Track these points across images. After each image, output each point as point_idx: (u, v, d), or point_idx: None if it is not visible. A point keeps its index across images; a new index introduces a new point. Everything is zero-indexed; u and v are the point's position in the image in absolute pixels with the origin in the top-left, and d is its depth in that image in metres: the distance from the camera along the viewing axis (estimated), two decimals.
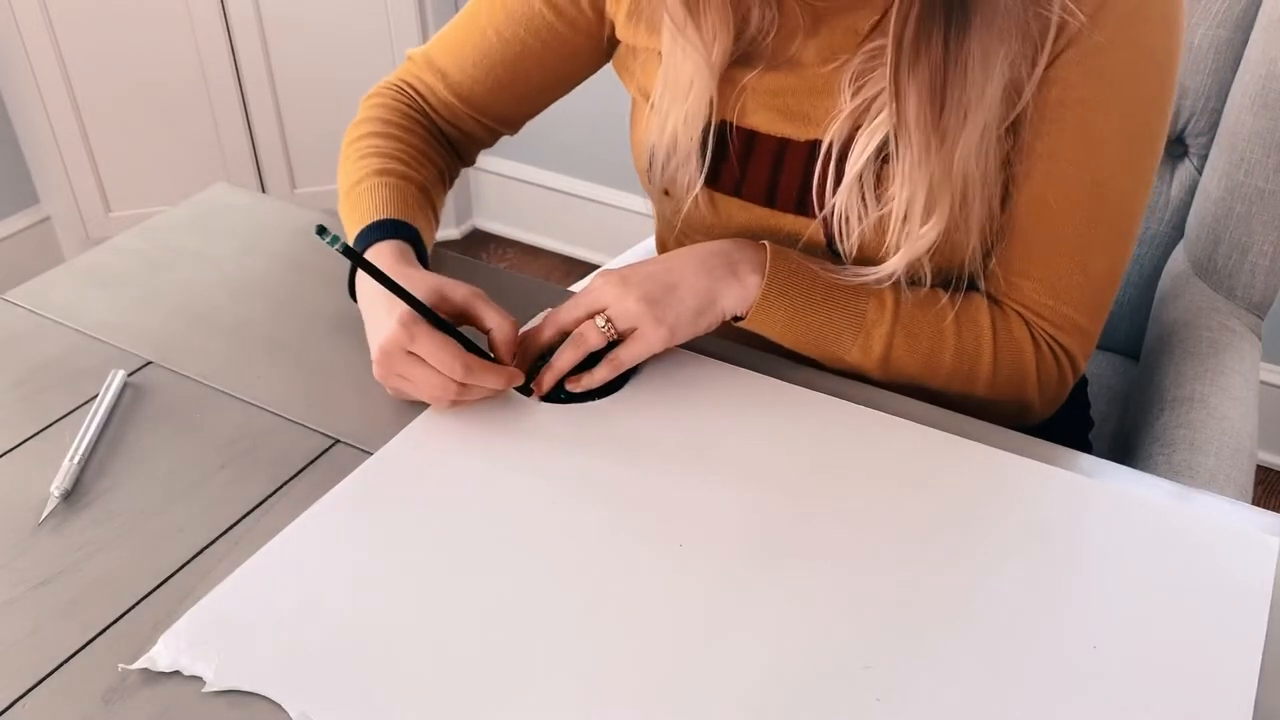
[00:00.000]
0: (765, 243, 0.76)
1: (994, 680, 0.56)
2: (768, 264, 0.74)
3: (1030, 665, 0.57)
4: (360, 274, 0.75)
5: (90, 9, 1.89)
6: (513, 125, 0.95)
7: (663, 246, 0.96)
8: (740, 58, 0.78)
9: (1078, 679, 0.56)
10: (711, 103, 0.78)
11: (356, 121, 0.90)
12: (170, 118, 2.03)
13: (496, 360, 0.73)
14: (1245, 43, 0.96)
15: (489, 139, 0.95)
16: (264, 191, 2.14)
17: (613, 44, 0.87)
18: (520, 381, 0.73)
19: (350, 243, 0.76)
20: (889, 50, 0.68)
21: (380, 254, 0.75)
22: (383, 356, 0.70)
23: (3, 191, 2.05)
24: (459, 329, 0.72)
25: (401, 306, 0.69)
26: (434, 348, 0.68)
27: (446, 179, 0.92)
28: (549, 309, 0.77)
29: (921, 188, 0.71)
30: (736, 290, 0.74)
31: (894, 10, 0.67)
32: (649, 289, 0.73)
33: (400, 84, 0.93)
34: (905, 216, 0.72)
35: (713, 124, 0.79)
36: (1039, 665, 0.56)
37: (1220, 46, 0.98)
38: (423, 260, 0.78)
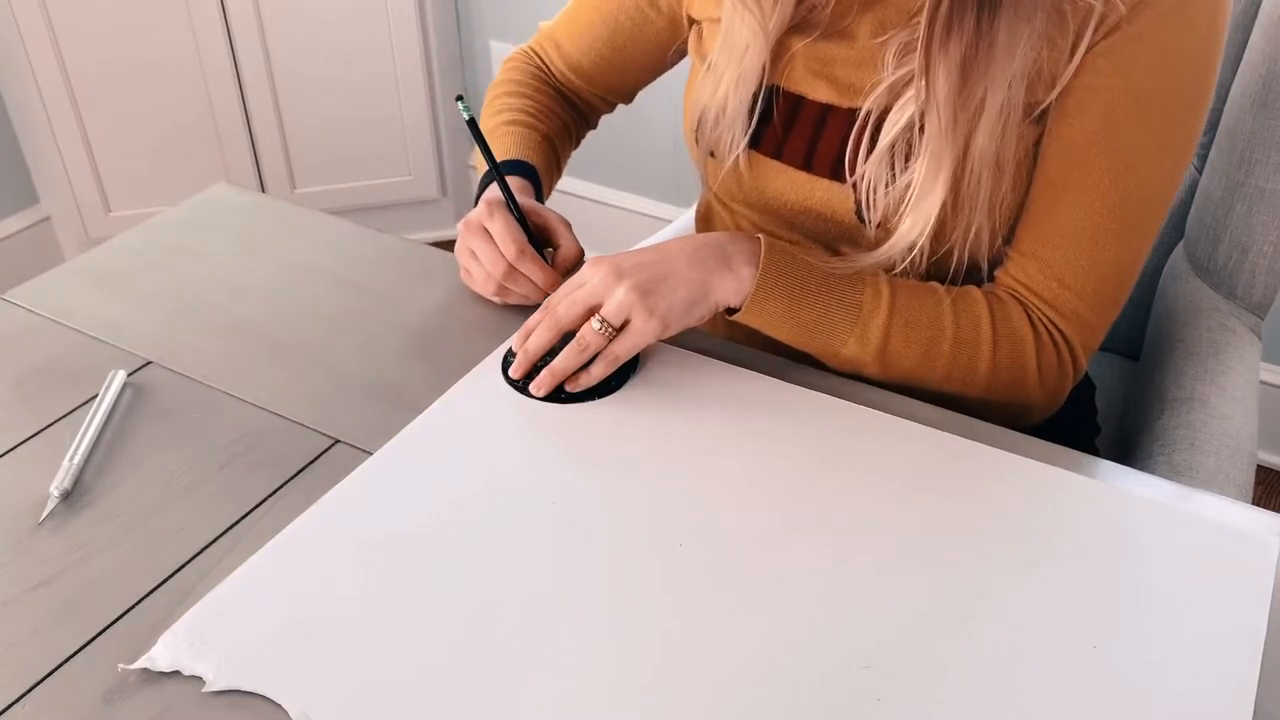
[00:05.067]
0: (760, 236, 0.76)
1: (994, 679, 0.56)
2: (762, 255, 0.75)
3: (1030, 665, 0.57)
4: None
5: (90, 10, 1.89)
6: (623, 96, 1.03)
7: (702, 220, 0.99)
8: (796, 25, 0.81)
9: (1078, 679, 0.56)
10: (764, 68, 0.81)
11: (494, 84, 1.02)
12: (170, 118, 2.03)
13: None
14: (1245, 43, 0.96)
15: (605, 107, 1.05)
16: (264, 191, 2.14)
17: (693, 27, 0.92)
18: (558, 288, 0.77)
19: (480, 182, 0.88)
20: (922, 26, 0.70)
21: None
22: (464, 228, 0.80)
23: (3, 191, 2.05)
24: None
25: (495, 193, 0.80)
26: (502, 227, 0.78)
27: (572, 134, 1.03)
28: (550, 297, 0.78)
29: (939, 162, 0.73)
30: (730, 282, 0.74)
31: None
32: (640, 279, 0.73)
33: (530, 51, 1.03)
34: (921, 189, 0.74)
35: (763, 88, 0.82)
36: (1039, 665, 0.56)
37: None
38: (539, 197, 0.89)
